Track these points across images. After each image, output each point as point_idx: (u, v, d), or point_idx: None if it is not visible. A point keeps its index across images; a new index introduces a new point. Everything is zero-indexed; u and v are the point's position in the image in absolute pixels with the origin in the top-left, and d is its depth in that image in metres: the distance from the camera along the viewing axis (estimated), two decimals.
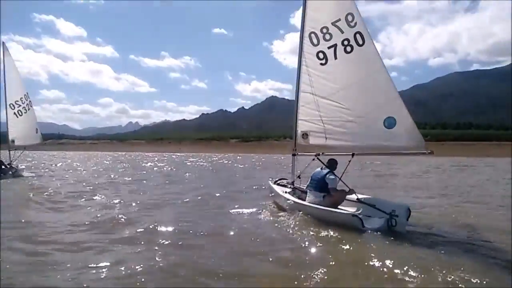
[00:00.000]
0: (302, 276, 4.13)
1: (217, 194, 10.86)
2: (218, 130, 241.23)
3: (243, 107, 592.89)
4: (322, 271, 4.24)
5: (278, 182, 9.37)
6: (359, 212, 6.53)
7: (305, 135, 8.00)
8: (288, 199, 7.61)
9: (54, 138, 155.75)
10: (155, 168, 24.65)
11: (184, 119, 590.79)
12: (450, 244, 5.41)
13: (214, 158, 45.46)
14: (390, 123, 6.54)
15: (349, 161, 7.28)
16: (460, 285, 3.82)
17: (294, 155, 8.44)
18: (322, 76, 7.28)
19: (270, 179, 9.97)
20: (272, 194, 9.11)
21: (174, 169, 24.03)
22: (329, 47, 6.98)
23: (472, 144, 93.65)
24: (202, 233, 6.07)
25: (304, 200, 7.31)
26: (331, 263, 4.61)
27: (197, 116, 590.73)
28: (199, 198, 10.22)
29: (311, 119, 7.77)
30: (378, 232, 5.81)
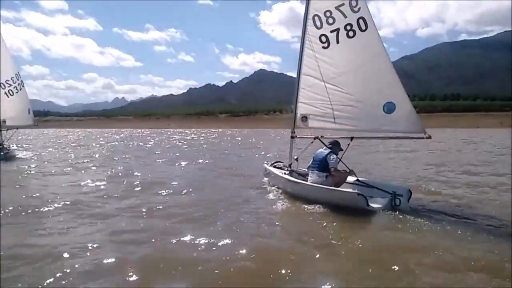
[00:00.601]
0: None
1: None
2: (206, 105, 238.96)
3: (231, 81, 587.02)
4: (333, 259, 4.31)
5: (275, 165, 9.36)
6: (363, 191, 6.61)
7: (304, 118, 8.02)
8: (289, 179, 7.66)
9: (39, 115, 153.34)
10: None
11: (171, 94, 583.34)
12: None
13: (213, 135, 45.14)
14: (389, 108, 6.69)
15: (348, 144, 7.43)
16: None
17: (292, 137, 8.47)
18: (324, 59, 7.29)
19: (266, 162, 10.02)
20: (268, 176, 9.16)
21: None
22: (331, 31, 6.98)
23: (460, 115, 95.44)
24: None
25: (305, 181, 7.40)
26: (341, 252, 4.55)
27: (185, 90, 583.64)
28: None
29: (311, 102, 7.82)
30: (382, 211, 6.02)
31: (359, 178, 7.17)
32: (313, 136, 7.97)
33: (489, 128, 53.69)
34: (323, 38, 7.17)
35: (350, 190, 6.62)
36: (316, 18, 7.17)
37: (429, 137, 6.48)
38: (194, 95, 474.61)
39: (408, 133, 6.75)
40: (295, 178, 7.81)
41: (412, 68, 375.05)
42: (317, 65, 7.45)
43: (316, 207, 6.40)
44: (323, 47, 7.24)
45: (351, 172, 7.13)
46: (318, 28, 7.20)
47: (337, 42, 7.01)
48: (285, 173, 8.24)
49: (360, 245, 4.61)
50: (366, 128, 7.17)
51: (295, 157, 8.51)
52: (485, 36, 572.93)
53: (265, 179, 9.36)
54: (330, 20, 6.95)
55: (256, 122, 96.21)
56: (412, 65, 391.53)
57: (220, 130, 65.16)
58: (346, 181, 7.18)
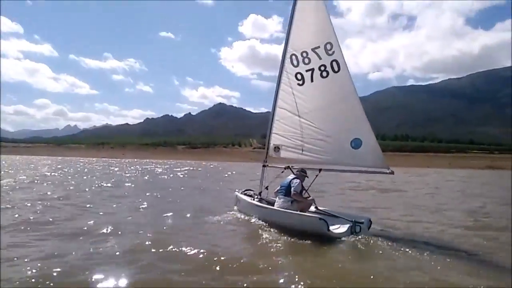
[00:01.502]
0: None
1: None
2: (164, 136, 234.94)
3: (190, 113, 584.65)
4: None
5: (245, 192, 9.61)
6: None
7: (277, 148, 8.53)
8: (258, 205, 7.97)
9: None
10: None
11: (127, 123, 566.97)
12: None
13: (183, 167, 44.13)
14: (356, 144, 7.29)
15: (316, 176, 7.94)
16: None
17: (264, 166, 8.82)
18: (298, 95, 7.91)
19: (237, 190, 10.22)
20: (238, 203, 9.35)
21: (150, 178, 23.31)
22: (307, 70, 7.65)
23: (410, 155, 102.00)
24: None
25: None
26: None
27: (141, 120, 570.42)
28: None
29: (284, 134, 8.33)
30: (342, 239, 6.22)
31: (319, 208, 7.58)
32: (284, 166, 8.38)
33: (439, 167, 58.01)
34: (299, 76, 7.82)
35: (312, 215, 6.97)
36: (294, 57, 7.83)
37: (392, 173, 7.14)
38: (151, 125, 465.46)
39: (373, 167, 7.34)
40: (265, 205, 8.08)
41: (365, 109, 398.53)
42: (292, 100, 8.05)
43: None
44: (298, 84, 7.88)
45: (312, 200, 7.50)
46: (295, 66, 7.85)
47: (311, 80, 7.68)
48: (254, 200, 8.51)
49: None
50: (334, 161, 7.71)
51: (265, 186, 8.81)
52: (430, 82, 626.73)
53: (235, 207, 9.51)
54: (306, 60, 7.64)
55: (216, 154, 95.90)
56: (365, 106, 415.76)
57: (180, 161, 63.49)
58: (310, 210, 7.50)
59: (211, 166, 45.99)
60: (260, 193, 8.82)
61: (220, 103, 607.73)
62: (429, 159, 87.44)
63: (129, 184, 17.64)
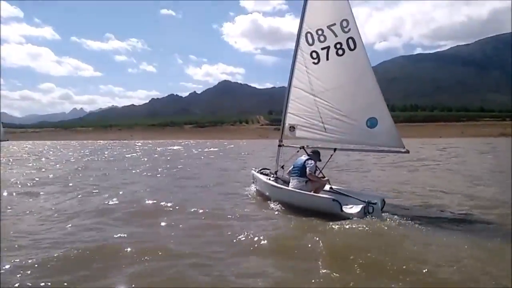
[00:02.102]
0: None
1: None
2: (170, 116, 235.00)
3: (195, 91, 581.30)
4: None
5: (262, 171, 9.71)
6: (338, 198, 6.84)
7: (292, 128, 8.52)
8: (273, 185, 8.05)
9: None
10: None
11: (133, 105, 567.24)
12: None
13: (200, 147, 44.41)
14: (372, 123, 7.22)
15: (331, 155, 7.93)
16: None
17: (280, 145, 8.90)
18: (313, 74, 7.81)
19: (254, 168, 10.35)
20: (255, 182, 9.51)
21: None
22: (322, 48, 7.52)
23: (421, 126, 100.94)
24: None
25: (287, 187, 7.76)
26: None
27: (147, 101, 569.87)
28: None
29: (299, 113, 8.30)
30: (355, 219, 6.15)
31: (334, 187, 7.62)
32: (299, 146, 8.43)
33: (451, 137, 57.44)
34: (314, 54, 7.70)
35: (326, 195, 7.06)
36: (309, 35, 7.69)
37: (407, 152, 7.12)
38: (157, 105, 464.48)
39: (389, 147, 7.33)
40: (280, 184, 8.19)
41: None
42: (307, 79, 7.94)
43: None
44: (314, 63, 7.77)
45: (327, 180, 7.55)
46: (310, 45, 7.72)
47: (327, 59, 7.55)
48: (270, 180, 8.59)
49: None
50: (350, 141, 7.70)
51: (281, 165, 8.90)
52: (438, 50, 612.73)
53: (252, 185, 9.71)
54: (322, 38, 7.49)
55: (223, 132, 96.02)
56: None
57: (198, 141, 63.25)
58: (324, 189, 7.57)
59: (231, 146, 45.53)
60: (276, 172, 8.91)
61: (225, 80, 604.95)
62: (440, 129, 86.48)
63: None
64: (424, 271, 4.10)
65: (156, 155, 27.53)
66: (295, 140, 8.77)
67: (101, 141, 69.54)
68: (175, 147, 42.77)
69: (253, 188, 9.61)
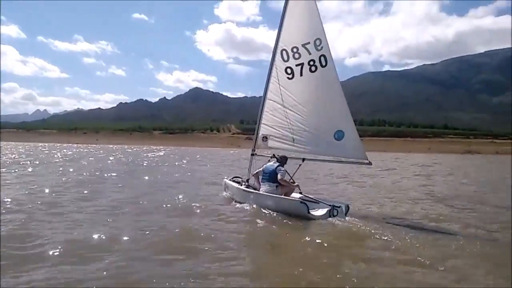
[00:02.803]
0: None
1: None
2: (138, 121, 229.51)
3: (165, 97, 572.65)
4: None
5: (234, 179, 10.01)
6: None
7: (265, 138, 8.97)
8: (245, 190, 8.50)
9: None
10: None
11: (99, 108, 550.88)
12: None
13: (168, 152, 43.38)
14: (339, 135, 7.84)
15: (299, 165, 8.53)
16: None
17: (252, 154, 9.26)
18: (287, 89, 8.31)
19: (225, 177, 10.66)
20: (226, 189, 9.83)
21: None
22: (297, 65, 8.05)
23: (389, 140, 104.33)
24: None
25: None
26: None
27: (114, 105, 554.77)
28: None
29: (272, 125, 8.76)
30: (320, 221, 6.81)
31: (303, 194, 8.12)
32: (271, 155, 8.88)
33: (419, 152, 59.86)
34: (289, 70, 8.21)
35: (295, 199, 7.59)
36: (284, 52, 8.19)
37: (370, 164, 7.78)
38: (125, 110, 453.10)
39: (353, 158, 7.96)
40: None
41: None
42: (280, 93, 8.41)
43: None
44: (288, 78, 8.27)
45: (296, 186, 8.06)
46: (285, 61, 8.22)
47: (301, 75, 8.09)
48: (242, 186, 9.01)
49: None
50: (318, 152, 8.29)
51: (253, 173, 9.14)
52: (406, 68, 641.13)
53: (224, 193, 9.97)
54: (296, 56, 8.02)
55: (194, 140, 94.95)
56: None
57: (160, 147, 61.87)
58: (294, 196, 8.04)
59: (206, 154, 44.49)
60: (247, 180, 9.26)
61: (196, 87, 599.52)
62: (408, 144, 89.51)
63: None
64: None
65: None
66: (268, 149, 9.17)
67: (67, 144, 66.57)
68: (150, 154, 40.91)
69: (224, 194, 9.89)
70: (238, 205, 8.40)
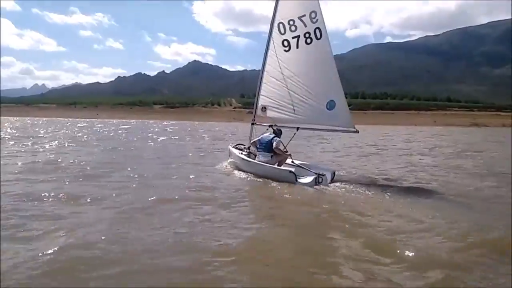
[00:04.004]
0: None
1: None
2: (137, 95, 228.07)
3: (163, 71, 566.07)
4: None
5: (237, 146, 10.73)
6: (294, 170, 8.16)
7: (264, 108, 9.51)
8: (243, 158, 9.22)
9: None
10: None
11: (98, 82, 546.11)
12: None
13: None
14: (331, 105, 8.43)
15: (294, 134, 9.18)
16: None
17: (252, 124, 9.86)
18: (284, 61, 8.75)
19: (230, 144, 11.39)
20: (230, 155, 10.56)
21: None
22: (293, 37, 8.46)
23: (393, 113, 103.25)
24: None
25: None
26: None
27: (113, 79, 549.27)
28: None
29: (270, 96, 9.26)
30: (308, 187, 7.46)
31: (294, 160, 8.83)
32: (268, 124, 9.42)
33: (424, 125, 59.47)
34: (285, 43, 8.62)
35: (285, 168, 8.35)
36: (281, 25, 8.59)
37: (357, 131, 8.56)
38: (124, 84, 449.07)
39: (343, 127, 8.63)
40: (251, 158, 9.32)
41: (342, 67, 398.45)
42: (278, 65, 8.85)
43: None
44: (285, 50, 8.70)
45: (289, 155, 8.73)
46: (282, 34, 8.63)
47: (297, 47, 8.52)
48: (242, 153, 9.74)
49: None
50: (312, 121, 8.85)
51: (253, 140, 9.79)
52: (408, 39, 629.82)
53: (229, 159, 10.67)
54: (293, 28, 8.42)
55: (194, 114, 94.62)
56: (342, 64, 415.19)
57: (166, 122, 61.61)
58: (287, 163, 8.77)
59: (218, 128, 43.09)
60: (249, 148, 9.94)
61: (195, 60, 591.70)
62: (413, 117, 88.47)
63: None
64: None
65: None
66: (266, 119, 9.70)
67: (68, 119, 66.58)
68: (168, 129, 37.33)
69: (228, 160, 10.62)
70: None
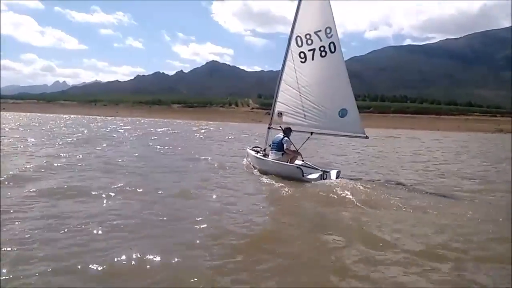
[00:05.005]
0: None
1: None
2: (155, 94, 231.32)
3: (182, 70, 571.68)
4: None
5: (254, 148, 11.59)
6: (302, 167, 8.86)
7: (279, 114, 10.35)
8: (257, 157, 10.20)
9: None
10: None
11: (117, 81, 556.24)
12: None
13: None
14: (343, 113, 9.22)
15: (308, 138, 9.97)
16: None
17: (269, 128, 10.72)
18: (300, 71, 9.57)
19: (248, 146, 12.36)
20: (247, 156, 11.58)
21: None
22: (309, 50, 9.28)
23: (414, 117, 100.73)
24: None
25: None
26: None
27: (132, 77, 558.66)
28: None
29: (286, 102, 10.08)
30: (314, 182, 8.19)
31: (304, 160, 9.74)
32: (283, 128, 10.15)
33: (448, 131, 57.80)
34: (302, 55, 9.42)
35: (293, 164, 9.17)
36: (298, 38, 9.39)
37: (367, 137, 9.35)
38: (143, 83, 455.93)
39: (353, 133, 9.45)
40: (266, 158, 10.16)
41: (361, 69, 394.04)
42: (295, 75, 9.65)
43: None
44: (301, 62, 9.50)
45: (299, 153, 9.60)
46: (299, 46, 9.44)
47: (312, 59, 9.34)
48: (259, 154, 10.60)
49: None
50: (324, 127, 9.65)
51: (269, 143, 10.64)
52: (428, 42, 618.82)
53: (245, 159, 11.75)
54: (309, 42, 9.22)
55: (213, 114, 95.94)
56: (361, 66, 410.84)
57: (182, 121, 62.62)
58: (297, 162, 9.56)
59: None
60: (265, 149, 10.74)
61: (213, 60, 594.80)
62: (435, 122, 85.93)
63: None
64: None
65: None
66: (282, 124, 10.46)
67: (92, 117, 68.63)
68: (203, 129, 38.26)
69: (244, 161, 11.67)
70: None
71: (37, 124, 33.26)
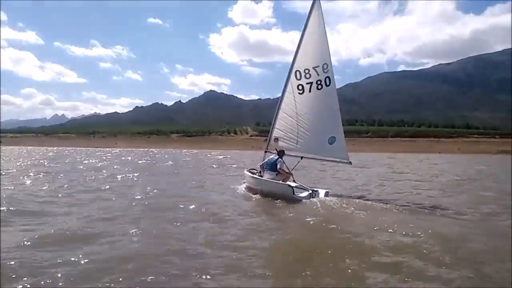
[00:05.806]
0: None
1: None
2: (154, 124, 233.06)
3: (180, 100, 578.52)
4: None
5: (250, 170, 12.31)
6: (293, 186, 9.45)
7: (276, 139, 11.25)
8: (252, 176, 11.00)
9: None
10: None
11: (116, 112, 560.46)
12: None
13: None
14: (332, 140, 10.35)
15: (298, 162, 10.89)
16: None
17: (265, 151, 11.52)
18: (298, 101, 10.55)
19: (245, 169, 13.00)
20: (244, 177, 12.28)
21: None
22: (307, 83, 10.31)
23: (414, 141, 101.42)
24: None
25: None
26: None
27: (131, 109, 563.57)
28: None
29: (283, 129, 11.04)
30: (304, 201, 8.80)
31: (296, 181, 10.33)
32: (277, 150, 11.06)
33: (449, 153, 57.90)
34: (300, 87, 10.43)
35: (285, 183, 9.67)
36: (297, 72, 10.40)
37: (350, 163, 10.52)
38: (141, 114, 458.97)
39: (339, 159, 10.53)
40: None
41: (356, 95, 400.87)
42: (293, 104, 10.61)
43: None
44: (299, 93, 10.46)
45: (291, 174, 10.37)
46: (297, 79, 10.45)
47: (310, 91, 10.37)
48: (254, 175, 11.30)
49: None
50: (315, 152, 10.70)
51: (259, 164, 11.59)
52: (421, 67, 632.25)
53: (243, 181, 12.46)
54: (307, 76, 10.26)
55: (212, 142, 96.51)
56: (356, 92, 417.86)
57: (177, 151, 63.26)
58: (289, 183, 10.16)
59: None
60: (261, 172, 11.39)
61: (210, 90, 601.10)
62: (434, 145, 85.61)
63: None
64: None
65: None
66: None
67: (89, 148, 68.84)
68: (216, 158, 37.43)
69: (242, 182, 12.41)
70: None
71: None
